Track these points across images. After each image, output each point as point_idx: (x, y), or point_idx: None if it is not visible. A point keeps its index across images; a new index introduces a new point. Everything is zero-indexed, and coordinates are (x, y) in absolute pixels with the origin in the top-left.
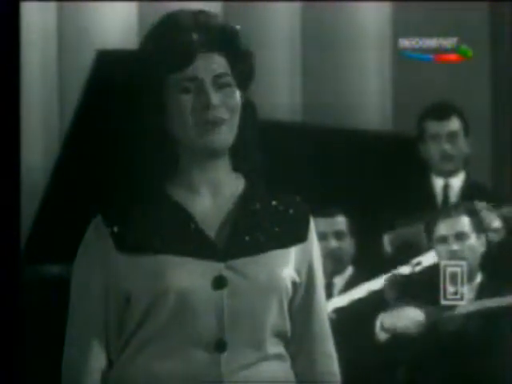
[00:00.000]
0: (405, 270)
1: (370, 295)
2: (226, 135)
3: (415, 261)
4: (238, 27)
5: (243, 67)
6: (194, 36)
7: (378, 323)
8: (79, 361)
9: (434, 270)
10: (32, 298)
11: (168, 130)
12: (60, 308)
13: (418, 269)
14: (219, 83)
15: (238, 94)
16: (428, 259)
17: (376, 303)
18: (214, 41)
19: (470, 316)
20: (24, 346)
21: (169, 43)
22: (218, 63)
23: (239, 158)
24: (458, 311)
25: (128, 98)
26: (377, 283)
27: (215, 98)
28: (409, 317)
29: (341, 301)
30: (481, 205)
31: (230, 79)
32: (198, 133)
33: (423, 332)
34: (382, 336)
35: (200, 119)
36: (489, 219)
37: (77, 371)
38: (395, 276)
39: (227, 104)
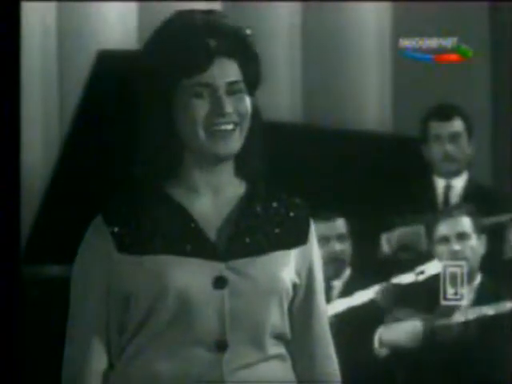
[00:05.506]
0: (407, 278)
1: (370, 302)
2: (235, 142)
3: (418, 269)
4: (249, 31)
5: (253, 72)
6: (211, 41)
7: (376, 339)
8: (80, 361)
9: (435, 277)
10: (32, 297)
11: (175, 132)
12: (60, 308)
13: (421, 278)
14: (232, 90)
15: (248, 100)
16: (431, 268)
17: (376, 312)
18: (228, 46)
19: (467, 324)
20: (24, 345)
21: (183, 47)
22: (231, 69)
23: (242, 164)
24: (455, 319)
25: (135, 98)
26: (376, 290)
27: (229, 105)
28: (407, 331)
29: (339, 305)
30: None
31: (242, 85)
32: (208, 139)
33: (421, 343)
34: (381, 352)
35: (213, 126)
36: None
37: (77, 371)
38: (394, 285)
39: (238, 110)
